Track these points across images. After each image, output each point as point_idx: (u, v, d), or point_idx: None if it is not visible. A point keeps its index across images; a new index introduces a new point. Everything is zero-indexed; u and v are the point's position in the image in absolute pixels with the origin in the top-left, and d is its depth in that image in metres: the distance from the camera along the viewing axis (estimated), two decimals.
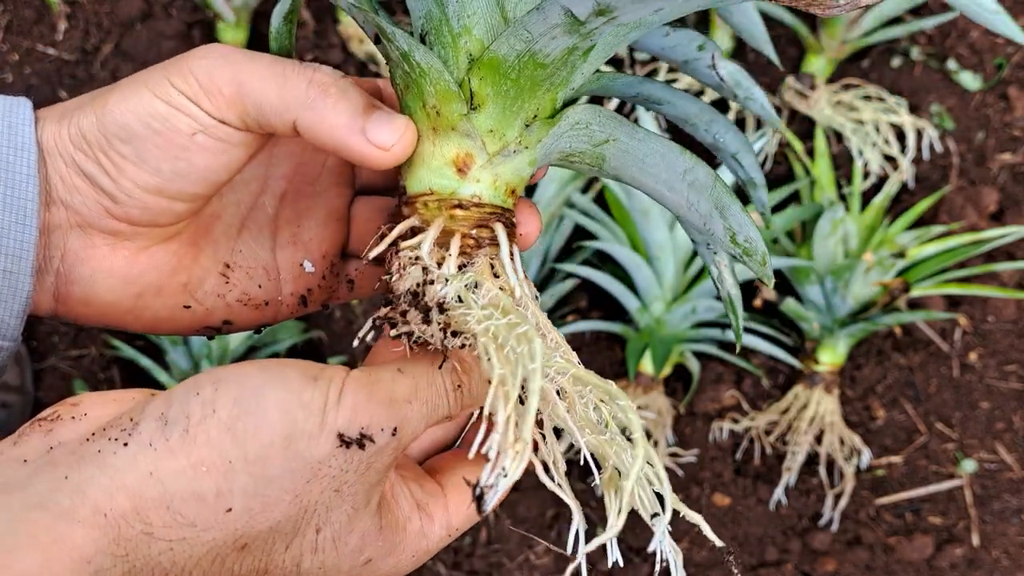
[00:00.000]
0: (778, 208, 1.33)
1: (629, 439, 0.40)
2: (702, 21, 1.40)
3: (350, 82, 0.44)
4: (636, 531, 1.24)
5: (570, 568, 0.38)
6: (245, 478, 0.37)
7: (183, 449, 0.36)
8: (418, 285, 0.43)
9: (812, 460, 1.29)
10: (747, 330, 1.27)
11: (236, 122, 0.43)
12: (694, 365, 1.28)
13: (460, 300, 0.42)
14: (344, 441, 0.38)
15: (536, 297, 0.46)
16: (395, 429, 0.39)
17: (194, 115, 0.42)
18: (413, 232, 0.45)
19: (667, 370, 1.27)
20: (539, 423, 0.44)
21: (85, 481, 0.36)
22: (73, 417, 0.39)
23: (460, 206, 0.44)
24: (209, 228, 0.49)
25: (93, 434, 0.38)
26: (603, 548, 0.39)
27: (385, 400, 0.39)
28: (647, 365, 1.23)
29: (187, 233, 0.47)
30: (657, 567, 0.41)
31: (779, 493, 1.27)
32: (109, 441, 0.37)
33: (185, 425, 0.37)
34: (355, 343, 0.48)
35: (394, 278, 0.44)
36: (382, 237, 0.45)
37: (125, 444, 0.37)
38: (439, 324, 0.42)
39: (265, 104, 0.42)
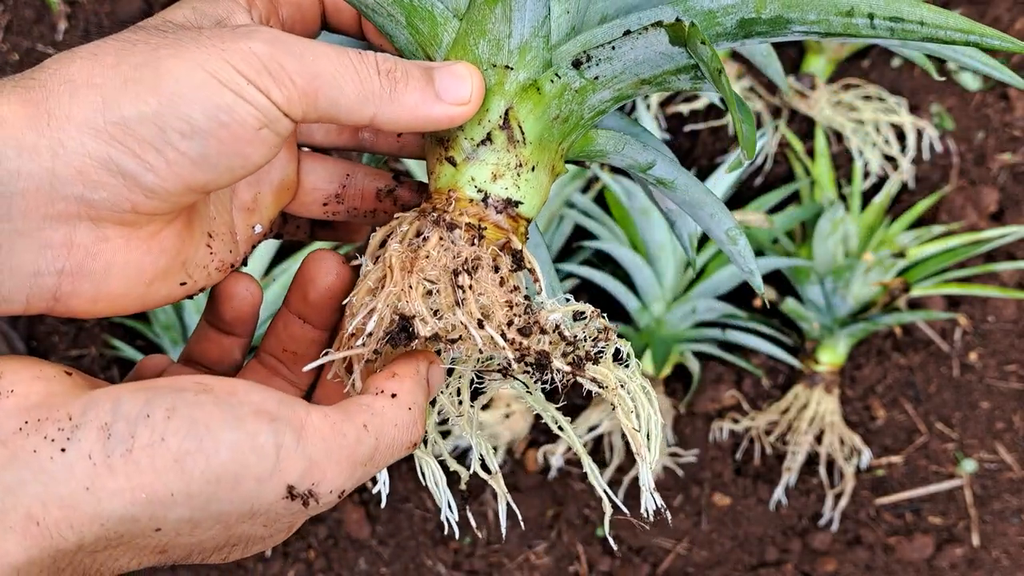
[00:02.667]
0: (778, 208, 1.33)
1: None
2: None
3: (396, 58, 0.42)
4: (636, 531, 1.24)
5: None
6: (183, 510, 0.36)
7: (124, 470, 0.35)
8: (576, 337, 0.46)
9: (812, 460, 1.29)
10: (747, 330, 1.27)
11: (298, 115, 0.39)
12: (694, 365, 1.28)
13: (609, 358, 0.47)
14: (292, 494, 0.38)
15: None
16: (343, 492, 0.39)
17: (262, 107, 0.38)
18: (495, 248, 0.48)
19: (667, 370, 1.27)
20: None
21: (18, 485, 0.35)
22: None
23: (526, 234, 0.48)
24: (196, 201, 0.46)
25: (26, 422, 0.36)
26: (601, 548, 0.39)
27: (344, 462, 0.39)
28: (647, 365, 1.23)
29: (185, 211, 0.45)
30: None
31: (779, 493, 1.27)
32: (45, 440, 0.36)
33: (129, 445, 0.36)
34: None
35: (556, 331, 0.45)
36: (479, 234, 0.46)
37: (63, 449, 0.35)
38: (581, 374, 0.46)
39: (342, 100, 0.40)
